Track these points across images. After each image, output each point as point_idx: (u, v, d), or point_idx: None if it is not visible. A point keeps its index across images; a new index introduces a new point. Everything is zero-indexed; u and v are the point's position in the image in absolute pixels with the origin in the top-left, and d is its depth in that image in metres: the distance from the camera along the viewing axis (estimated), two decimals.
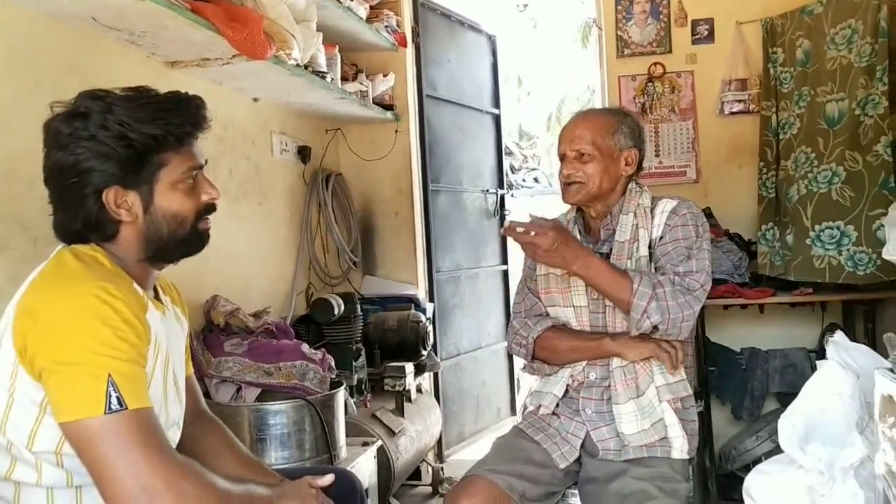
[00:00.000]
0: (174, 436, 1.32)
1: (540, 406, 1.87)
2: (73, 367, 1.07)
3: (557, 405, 1.86)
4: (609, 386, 1.80)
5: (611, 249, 1.84)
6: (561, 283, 1.89)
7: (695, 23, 3.44)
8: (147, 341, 1.17)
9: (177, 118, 1.23)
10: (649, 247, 1.81)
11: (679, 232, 1.79)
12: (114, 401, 1.07)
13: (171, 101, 1.25)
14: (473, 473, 1.72)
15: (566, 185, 1.85)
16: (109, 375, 1.07)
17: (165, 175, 1.23)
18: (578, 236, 1.89)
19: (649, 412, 1.77)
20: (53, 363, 1.08)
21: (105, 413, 1.06)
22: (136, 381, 1.12)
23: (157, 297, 1.33)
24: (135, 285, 1.21)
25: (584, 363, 1.84)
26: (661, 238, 1.81)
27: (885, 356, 1.70)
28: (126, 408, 1.08)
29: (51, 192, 1.24)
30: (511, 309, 2.10)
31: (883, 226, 2.54)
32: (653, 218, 1.83)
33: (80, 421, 1.07)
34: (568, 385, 1.86)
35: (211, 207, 1.32)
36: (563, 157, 1.86)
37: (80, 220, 1.21)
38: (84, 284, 1.12)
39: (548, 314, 1.93)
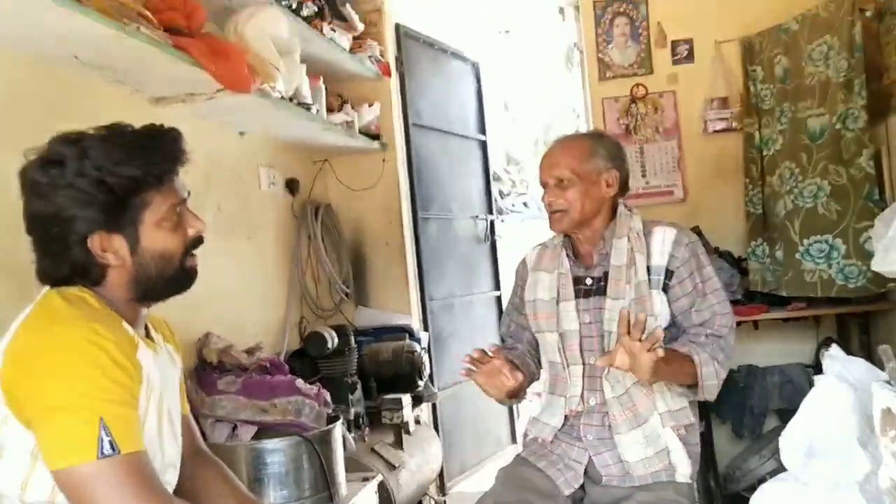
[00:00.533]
0: (171, 478, 1.29)
1: (538, 437, 1.87)
2: (63, 412, 1.05)
3: (556, 435, 1.84)
4: (608, 413, 1.78)
5: (604, 273, 1.82)
6: (548, 309, 1.87)
7: (674, 43, 3.49)
8: (139, 382, 1.15)
9: (154, 156, 1.21)
10: (648, 272, 1.78)
11: (693, 264, 1.79)
12: (106, 445, 1.04)
13: (147, 136, 1.23)
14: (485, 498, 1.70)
15: (550, 213, 1.86)
16: (101, 419, 1.05)
17: (149, 215, 1.21)
18: (567, 262, 1.88)
19: (654, 440, 1.74)
20: (43, 409, 1.06)
21: (98, 458, 1.04)
22: (128, 424, 1.09)
23: (147, 335, 1.30)
24: (125, 324, 1.19)
25: (580, 389, 1.81)
26: (670, 273, 1.78)
27: (882, 368, 1.70)
28: (119, 452, 1.05)
29: (34, 240, 1.21)
30: None
31: (871, 238, 2.55)
32: (650, 245, 1.81)
33: (73, 468, 1.04)
34: (567, 414, 1.84)
35: (198, 241, 1.30)
36: (544, 186, 1.87)
37: (66, 267, 1.19)
38: (73, 326, 1.10)
39: (536, 341, 1.95)
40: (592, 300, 1.82)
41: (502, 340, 2.07)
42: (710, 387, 1.72)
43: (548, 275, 1.90)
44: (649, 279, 1.78)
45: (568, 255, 1.90)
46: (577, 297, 1.84)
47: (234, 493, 1.43)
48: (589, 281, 1.85)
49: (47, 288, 1.22)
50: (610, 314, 1.77)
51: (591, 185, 1.82)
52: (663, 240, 1.81)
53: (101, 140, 1.19)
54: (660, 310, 1.78)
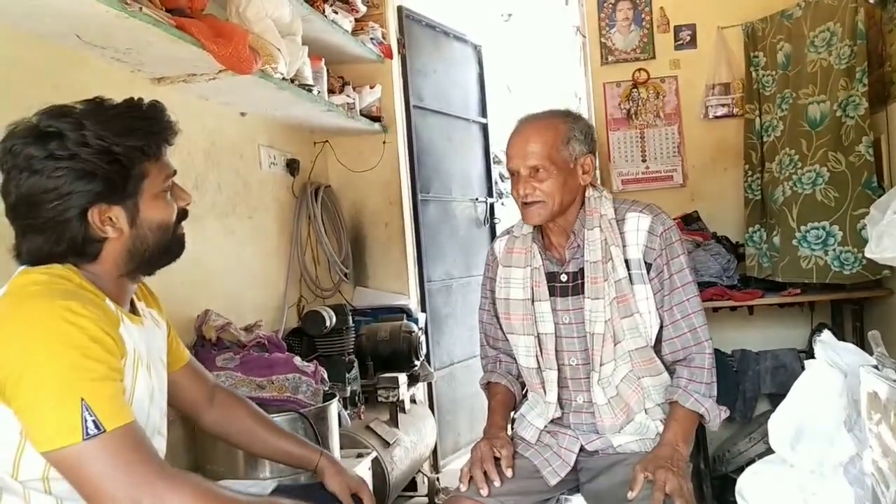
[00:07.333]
0: (159, 444, 1.30)
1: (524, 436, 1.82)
2: (44, 396, 1.04)
3: (545, 426, 1.80)
4: (594, 412, 1.75)
5: (580, 269, 1.72)
6: (522, 309, 1.77)
7: (677, 28, 3.48)
8: (121, 355, 1.14)
9: (153, 127, 1.21)
10: (627, 267, 1.68)
11: (666, 255, 1.69)
12: (90, 425, 1.04)
13: (137, 109, 1.21)
14: (459, 495, 1.65)
15: (524, 205, 1.70)
16: (82, 400, 1.04)
17: (148, 186, 1.21)
18: (540, 257, 1.78)
19: (642, 431, 1.74)
20: (22, 392, 1.04)
21: (83, 440, 1.03)
22: (112, 399, 1.08)
23: (133, 308, 1.29)
24: (107, 302, 1.18)
25: (556, 396, 1.75)
26: (648, 266, 1.69)
27: (872, 354, 1.72)
28: (105, 430, 1.05)
29: (21, 220, 1.16)
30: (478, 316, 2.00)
31: (867, 225, 2.56)
32: (624, 235, 1.70)
33: (60, 450, 1.04)
34: (553, 413, 1.79)
35: (185, 213, 1.31)
36: (515, 174, 1.70)
37: (64, 243, 1.15)
38: (46, 306, 1.07)
39: (505, 338, 1.86)
40: (571, 300, 1.73)
41: (488, 345, 1.96)
42: (716, 423, 1.72)
43: (520, 270, 1.79)
44: (630, 275, 1.68)
45: (539, 250, 1.79)
46: (552, 294, 1.75)
47: (266, 427, 1.56)
48: (564, 277, 1.75)
49: (23, 267, 1.18)
50: (591, 315, 1.69)
51: (569, 173, 1.68)
52: (637, 228, 1.69)
53: (91, 112, 1.16)
54: (645, 306, 1.69)
